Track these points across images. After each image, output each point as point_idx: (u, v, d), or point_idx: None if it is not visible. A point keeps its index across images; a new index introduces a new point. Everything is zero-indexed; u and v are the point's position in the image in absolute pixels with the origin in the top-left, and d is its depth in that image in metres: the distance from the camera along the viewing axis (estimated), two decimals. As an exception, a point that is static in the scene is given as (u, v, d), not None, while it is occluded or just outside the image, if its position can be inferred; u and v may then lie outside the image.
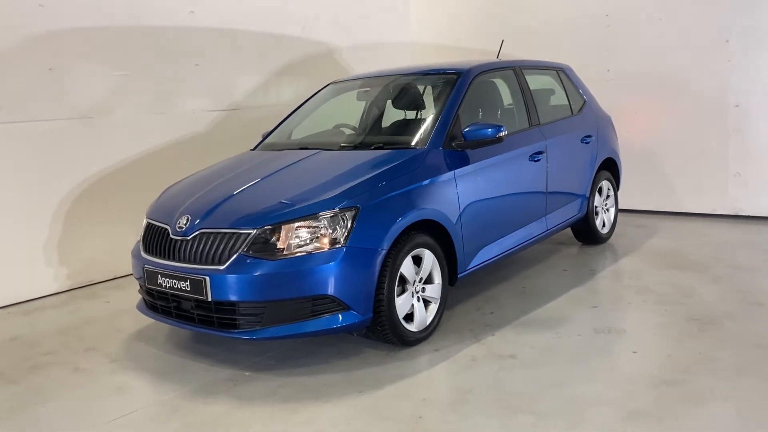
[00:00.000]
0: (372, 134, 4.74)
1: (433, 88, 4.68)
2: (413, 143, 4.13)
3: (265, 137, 5.13)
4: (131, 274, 5.77)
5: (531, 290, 4.72)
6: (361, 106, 5.15)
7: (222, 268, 3.44)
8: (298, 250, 3.41)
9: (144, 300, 4.08)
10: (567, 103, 5.57)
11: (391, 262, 3.58)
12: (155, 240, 3.82)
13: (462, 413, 3.03)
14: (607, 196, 5.94)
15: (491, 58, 5.42)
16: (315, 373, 3.56)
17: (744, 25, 6.29)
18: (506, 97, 5.00)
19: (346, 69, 7.72)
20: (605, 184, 5.87)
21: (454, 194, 4.03)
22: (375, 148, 4.18)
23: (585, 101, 5.78)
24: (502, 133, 4.13)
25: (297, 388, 3.39)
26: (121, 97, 5.78)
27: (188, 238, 3.61)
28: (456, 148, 4.14)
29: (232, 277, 3.41)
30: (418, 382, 3.39)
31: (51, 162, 5.33)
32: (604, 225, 5.89)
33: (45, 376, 3.76)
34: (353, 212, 3.47)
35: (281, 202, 3.59)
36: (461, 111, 4.33)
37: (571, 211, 5.34)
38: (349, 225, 3.44)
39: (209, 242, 3.53)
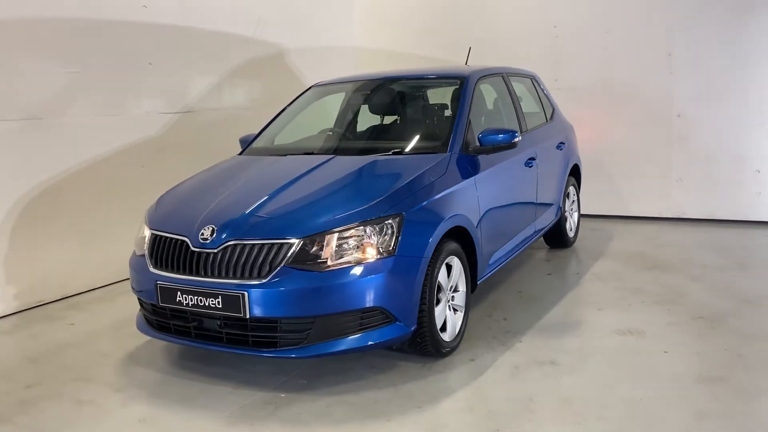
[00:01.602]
0: (385, 139, 4.57)
1: (437, 92, 4.60)
2: (434, 148, 4.02)
3: (247, 142, 4.82)
4: (86, 292, 5.32)
5: (528, 295, 4.75)
6: (354, 109, 4.96)
7: (263, 281, 3.17)
8: (344, 260, 3.21)
9: (146, 319, 3.69)
10: (542, 110, 5.68)
11: (431, 270, 3.46)
12: (169, 253, 3.46)
13: (536, 423, 2.96)
14: (573, 201, 6.12)
15: (458, 64, 5.42)
16: (358, 390, 3.36)
17: (685, 40, 6.70)
18: (499, 103, 5.01)
19: (297, 73, 7.48)
20: (572, 190, 6.05)
21: (475, 200, 3.97)
22: (393, 154, 4.03)
23: (554, 109, 5.93)
24: (517, 139, 4.12)
25: (348, 407, 3.18)
26: (72, 97, 5.25)
27: (215, 250, 3.29)
28: (472, 153, 4.08)
29: (276, 292, 3.15)
30: (471, 394, 3.28)
31: (-4, 168, 4.75)
32: (570, 229, 6.05)
33: (42, 412, 3.30)
34: (399, 219, 3.32)
35: (321, 210, 3.37)
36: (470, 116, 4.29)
37: (550, 216, 5.44)
38: (396, 233, 3.29)
39: (244, 254, 3.24)
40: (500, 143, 4.08)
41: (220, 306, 3.24)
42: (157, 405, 3.32)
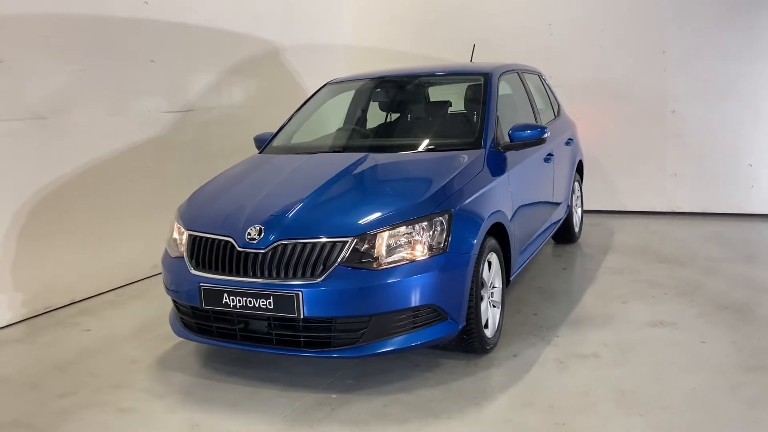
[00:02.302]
0: (414, 136, 4.53)
1: (460, 89, 4.59)
2: (467, 144, 4.01)
3: (263, 140, 4.74)
4: (94, 296, 5.16)
5: (550, 290, 4.78)
6: (374, 106, 4.92)
7: (318, 281, 3.11)
8: (397, 258, 3.17)
9: (184, 322, 3.59)
10: (550, 106, 5.73)
11: (476, 267, 3.45)
12: (212, 254, 3.37)
13: (600, 415, 2.98)
14: (577, 197, 6.19)
15: (458, 62, 5.42)
16: (409, 389, 3.33)
17: (678, 37, 6.85)
18: (515, 99, 5.03)
19: (291, 71, 7.39)
20: (576, 185, 6.12)
21: (509, 196, 3.98)
22: (427, 150, 4.00)
23: (559, 105, 5.99)
24: (546, 135, 4.14)
25: (404, 407, 3.15)
26: (76, 96, 5.08)
27: (264, 250, 3.22)
28: (503, 149, 4.09)
29: (331, 291, 3.10)
30: (526, 389, 3.28)
31: (1, 170, 4.55)
32: (575, 224, 6.12)
33: (85, 422, 3.18)
34: (448, 216, 3.30)
35: (370, 208, 3.32)
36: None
37: (562, 212, 5.50)
38: (447, 229, 3.26)
39: (295, 254, 3.17)
40: (530, 139, 4.10)
41: (272, 307, 3.17)
42: (207, 410, 3.23)
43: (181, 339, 4.08)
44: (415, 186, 3.52)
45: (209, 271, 3.36)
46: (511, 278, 4.07)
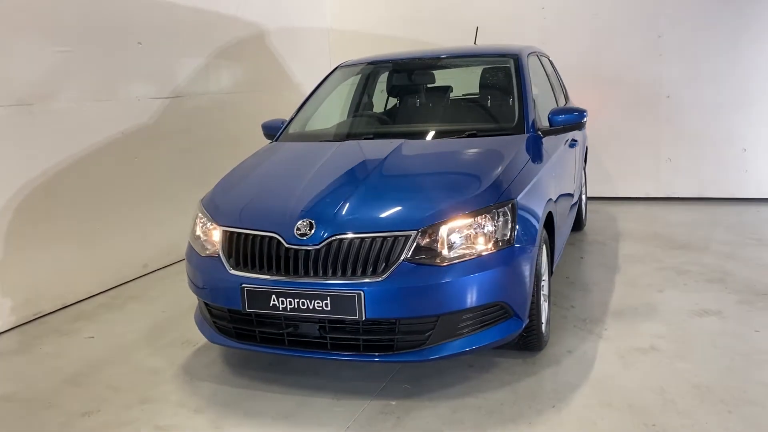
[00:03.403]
0: (449, 120, 4.26)
1: (490, 71, 4.36)
2: (509, 129, 3.79)
3: (272, 128, 4.40)
4: (85, 299, 4.72)
5: (578, 281, 4.63)
6: (397, 90, 4.63)
7: (381, 279, 2.83)
8: (461, 252, 2.92)
9: (218, 326, 3.26)
10: (561, 89, 5.57)
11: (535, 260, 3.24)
12: (255, 253, 3.04)
13: (687, 414, 2.81)
14: (582, 183, 6.06)
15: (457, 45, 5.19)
16: (473, 392, 3.10)
17: (673, 22, 6.79)
18: (538, 81, 4.83)
19: (277, 55, 7.01)
20: (582, 172, 5.99)
21: (553, 183, 3.78)
22: (468, 136, 3.76)
23: (566, 89, 5.83)
24: (585, 119, 3.96)
25: (475, 412, 2.92)
26: (62, 80, 4.64)
27: (317, 246, 2.92)
28: (541, 134, 3.88)
29: (397, 290, 2.83)
30: (597, 388, 3.09)
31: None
32: (583, 211, 6.00)
33: (121, 442, 2.83)
34: (511, 206, 3.07)
35: (429, 199, 3.05)
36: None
37: (576, 197, 5.35)
38: (512, 220, 3.03)
39: (352, 250, 2.89)
40: (570, 123, 3.91)
41: (328, 308, 2.88)
42: (258, 424, 2.92)
43: (200, 345, 3.78)
44: (471, 175, 3.27)
45: (252, 270, 3.04)
46: (553, 269, 3.88)
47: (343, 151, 3.73)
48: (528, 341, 3.31)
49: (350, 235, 2.90)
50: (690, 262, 4.89)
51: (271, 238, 3.02)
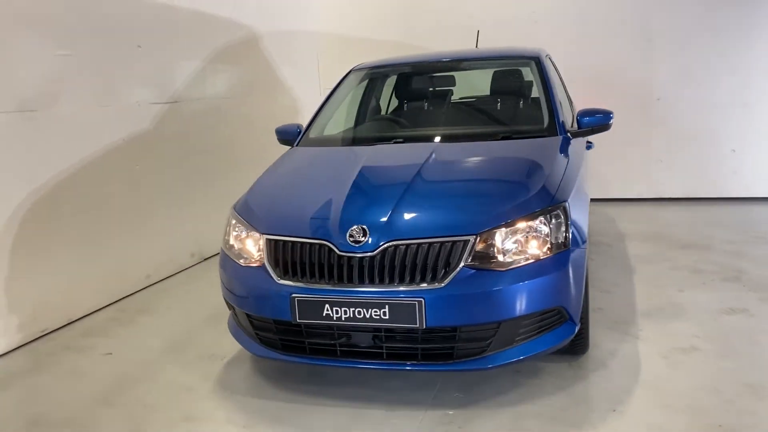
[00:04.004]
0: (478, 123, 4.21)
1: (512, 73, 4.33)
2: (543, 131, 3.77)
3: (291, 132, 4.28)
4: (92, 313, 4.52)
5: (596, 282, 4.62)
6: (418, 93, 4.57)
7: (442, 285, 2.76)
8: (519, 256, 2.87)
9: (261, 338, 3.14)
10: (564, 91, 5.58)
11: (584, 261, 3.21)
12: (305, 261, 2.94)
13: (750, 413, 2.82)
14: (584, 185, 6.10)
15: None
16: (529, 398, 3.05)
17: (663, 25, 6.91)
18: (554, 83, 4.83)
19: (269, 59, 6.88)
20: (584, 173, 6.02)
21: (585, 185, 3.77)
22: (502, 138, 3.72)
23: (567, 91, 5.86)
24: (612, 120, 3.96)
25: (538, 420, 2.87)
26: (64, 85, 4.44)
27: (372, 253, 2.83)
28: (570, 135, 3.87)
29: (458, 296, 2.76)
30: (651, 389, 3.07)
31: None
32: (584, 213, 6.03)
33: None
34: (564, 208, 3.04)
35: (483, 203, 3.01)
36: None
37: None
38: (565, 223, 3.00)
39: (409, 256, 2.81)
40: (598, 124, 3.90)
41: (386, 317, 2.80)
42: (316, 440, 2.81)
43: (229, 358, 3.67)
44: (519, 178, 3.23)
45: (302, 280, 2.93)
46: (585, 272, 3.86)
47: (379, 155, 3.65)
48: (576, 345, 3.28)
49: (407, 241, 2.83)
50: (701, 261, 4.95)
51: (321, 245, 2.92)
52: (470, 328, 2.82)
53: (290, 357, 3.06)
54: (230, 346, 3.79)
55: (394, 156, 3.63)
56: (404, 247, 2.82)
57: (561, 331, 2.99)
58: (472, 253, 2.80)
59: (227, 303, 3.39)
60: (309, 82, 7.79)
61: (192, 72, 5.69)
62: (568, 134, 3.82)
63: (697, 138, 7.05)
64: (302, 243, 2.96)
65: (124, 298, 4.86)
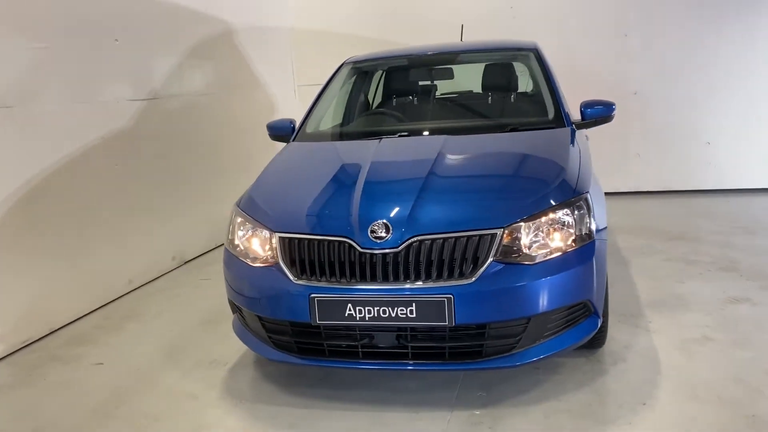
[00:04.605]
0: (482, 116, 4.11)
1: (511, 65, 4.26)
2: (550, 122, 3.71)
3: (284, 127, 4.12)
4: (75, 321, 4.26)
5: (594, 275, 4.60)
6: (414, 86, 4.46)
7: (472, 281, 2.66)
8: (546, 249, 2.79)
9: (275, 341, 2.98)
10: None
11: (602, 253, 3.15)
12: (324, 259, 2.79)
13: (778, 402, 2.80)
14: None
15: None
16: (554, 395, 2.97)
17: (640, 20, 6.97)
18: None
19: (245, 55, 6.67)
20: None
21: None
22: (510, 131, 3.63)
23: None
24: (614, 112, 3.93)
25: (568, 416, 2.79)
26: (41, 79, 4.19)
27: (396, 249, 2.71)
28: (576, 127, 3.82)
29: (488, 292, 2.66)
30: (675, 381, 3.03)
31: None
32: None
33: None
34: (586, 199, 2.97)
35: (506, 196, 2.92)
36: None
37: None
38: (587, 214, 2.93)
39: (435, 251, 2.70)
40: (601, 116, 3.87)
41: (413, 315, 2.68)
42: (343, 447, 2.67)
43: (231, 364, 3.50)
44: (539, 170, 3.15)
45: (321, 279, 2.79)
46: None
47: (387, 149, 3.52)
48: (594, 338, 3.20)
49: (432, 236, 2.71)
50: (693, 252, 4.98)
51: (340, 242, 2.78)
52: (500, 324, 2.72)
53: (308, 360, 2.92)
54: (231, 351, 3.63)
55: (403, 150, 3.51)
56: (429, 242, 2.71)
57: (586, 325, 2.92)
58: (499, 247, 2.70)
59: (232, 305, 3.22)
60: (284, 79, 7.60)
61: (169, 67, 5.46)
62: (573, 126, 3.77)
63: (673, 131, 7.13)
64: (319, 240, 2.82)
65: (106, 304, 4.62)
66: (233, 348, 3.67)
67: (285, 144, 4.00)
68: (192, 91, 5.79)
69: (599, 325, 3.00)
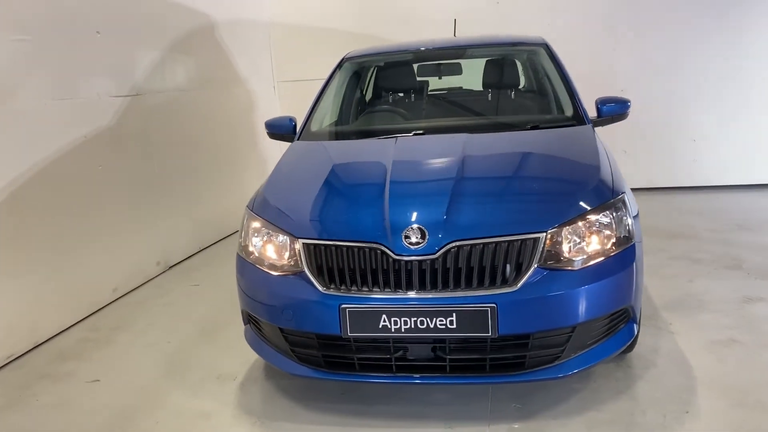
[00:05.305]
0: (498, 112, 3.96)
1: (521, 60, 4.13)
2: (569, 120, 3.58)
3: (283, 126, 3.93)
4: (59, 334, 3.97)
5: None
6: (421, 82, 4.28)
7: (516, 289, 2.51)
8: (589, 254, 2.65)
9: (299, 355, 2.78)
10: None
11: (632, 255, 3.03)
12: (354, 267, 2.60)
13: (823, 407, 2.72)
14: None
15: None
16: (592, 404, 2.84)
17: (627, 17, 6.94)
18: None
19: (225, 49, 6.40)
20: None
21: (612, 176, 3.60)
22: (531, 128, 3.49)
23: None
24: (629, 109, 3.84)
25: (613, 428, 2.67)
26: (21, 75, 3.89)
27: (434, 255, 2.54)
28: (593, 125, 3.71)
29: (533, 300, 2.51)
30: (712, 387, 2.93)
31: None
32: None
33: None
34: (624, 201, 2.85)
35: (544, 197, 2.78)
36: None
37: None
38: (628, 215, 2.81)
39: (475, 257, 2.53)
40: (617, 113, 3.77)
41: (453, 326, 2.51)
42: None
43: (240, 378, 3.28)
44: (574, 170, 3.01)
45: (352, 288, 2.60)
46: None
47: (407, 148, 3.33)
48: (632, 343, 3.09)
49: (472, 241, 2.55)
50: (695, 251, 4.93)
51: (371, 249, 2.59)
52: (544, 333, 2.57)
53: (336, 375, 2.72)
54: (237, 364, 3.41)
55: (424, 149, 3.33)
56: (468, 247, 2.54)
57: (626, 332, 2.80)
58: (543, 253, 2.56)
59: (246, 315, 3.01)
60: (263, 75, 7.34)
61: (150, 62, 5.18)
62: (592, 123, 3.65)
63: (659, 128, 7.13)
64: (348, 247, 2.62)
65: (91, 314, 4.34)
66: (239, 360, 3.45)
67: (289, 143, 3.78)
68: (174, 86, 5.52)
69: (637, 332, 2.88)
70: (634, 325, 2.85)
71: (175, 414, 2.99)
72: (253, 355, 3.46)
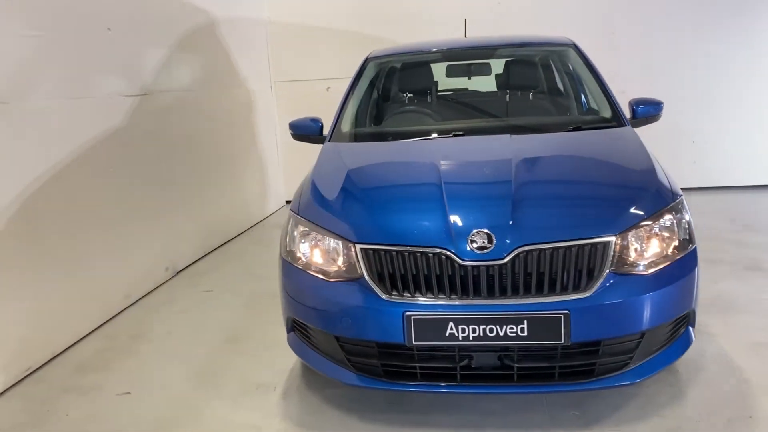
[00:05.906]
0: (540, 113, 3.88)
1: (552, 60, 4.08)
2: (609, 121, 3.56)
3: (308, 126, 3.87)
4: (75, 344, 3.79)
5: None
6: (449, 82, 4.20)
7: (589, 295, 2.44)
8: (656, 258, 2.60)
9: (356, 365, 2.67)
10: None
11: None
12: (419, 272, 2.51)
13: None
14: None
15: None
16: (653, 410, 2.79)
17: (627, 18, 6.96)
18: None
19: (227, 48, 6.25)
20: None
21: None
22: (574, 129, 3.44)
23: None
24: (662, 111, 3.82)
25: (679, 434, 2.62)
26: (37, 73, 3.70)
27: (503, 261, 2.46)
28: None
29: (606, 306, 2.45)
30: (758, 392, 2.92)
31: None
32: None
33: None
34: (683, 203, 2.81)
35: (607, 200, 2.72)
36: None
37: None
38: (687, 219, 2.77)
39: (545, 262, 2.46)
40: (651, 114, 3.75)
41: (524, 334, 2.44)
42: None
43: (282, 388, 3.17)
44: (632, 173, 2.94)
45: (416, 295, 2.50)
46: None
47: (452, 149, 3.24)
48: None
49: (542, 246, 2.47)
50: (711, 251, 4.93)
51: (436, 254, 2.50)
52: (614, 340, 2.51)
53: (397, 385, 2.62)
54: (274, 373, 3.30)
55: (471, 150, 3.25)
56: (538, 252, 2.47)
57: (686, 337, 2.76)
58: (614, 257, 2.50)
59: (292, 323, 2.89)
60: (261, 75, 7.19)
61: (159, 60, 5.01)
62: (630, 124, 3.62)
63: (659, 130, 7.11)
64: (411, 252, 2.53)
65: (105, 322, 4.16)
66: (273, 370, 3.34)
67: (322, 145, 3.67)
68: (180, 86, 5.35)
69: (693, 336, 2.84)
70: (691, 329, 2.81)
71: (218, 427, 2.86)
72: (288, 364, 3.36)
